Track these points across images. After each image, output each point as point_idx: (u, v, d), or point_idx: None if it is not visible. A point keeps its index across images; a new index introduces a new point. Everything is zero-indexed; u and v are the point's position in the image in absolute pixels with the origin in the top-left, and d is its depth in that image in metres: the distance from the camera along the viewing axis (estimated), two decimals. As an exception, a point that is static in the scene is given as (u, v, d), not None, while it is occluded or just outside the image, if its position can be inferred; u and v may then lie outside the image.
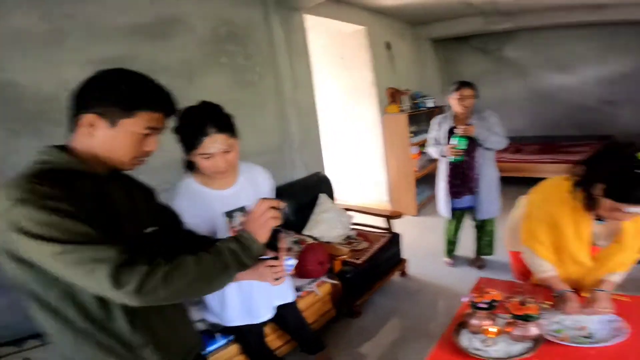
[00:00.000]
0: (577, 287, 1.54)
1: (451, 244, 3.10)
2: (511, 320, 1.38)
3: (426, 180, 4.93)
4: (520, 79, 5.85)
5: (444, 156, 2.69)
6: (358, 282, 2.50)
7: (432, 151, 2.81)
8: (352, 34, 4.35)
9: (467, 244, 3.10)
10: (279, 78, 3.05)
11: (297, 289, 2.13)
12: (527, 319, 1.30)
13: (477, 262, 3.04)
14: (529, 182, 4.19)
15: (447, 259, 3.15)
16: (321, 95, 4.66)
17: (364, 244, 2.79)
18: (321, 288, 2.30)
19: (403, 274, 3.05)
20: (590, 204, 1.29)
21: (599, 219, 1.38)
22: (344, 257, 2.35)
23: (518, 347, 1.34)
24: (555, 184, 1.47)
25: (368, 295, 2.61)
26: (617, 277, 1.48)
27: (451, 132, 2.62)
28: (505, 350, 1.34)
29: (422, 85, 5.41)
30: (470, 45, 6.13)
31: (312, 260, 2.18)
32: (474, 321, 1.42)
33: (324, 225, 2.83)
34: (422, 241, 3.60)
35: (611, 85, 5.16)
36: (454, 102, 2.60)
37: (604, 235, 1.46)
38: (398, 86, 4.78)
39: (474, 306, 1.41)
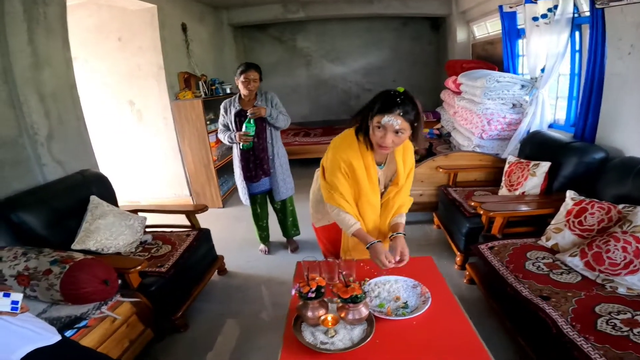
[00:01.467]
0: (379, 236, 1.62)
1: (262, 230, 2.93)
2: (341, 305, 1.25)
3: (228, 168, 4.64)
4: (307, 68, 6.35)
5: (234, 143, 2.54)
6: (168, 293, 1.97)
7: (223, 138, 2.59)
8: (138, 12, 3.59)
9: (277, 228, 2.99)
10: (9, 55, 2.11)
11: (78, 319, 1.50)
12: (355, 300, 1.20)
13: (290, 245, 2.97)
14: (317, 163, 4.50)
15: (261, 247, 2.97)
16: (91, 79, 3.76)
17: (166, 248, 2.23)
18: (119, 310, 1.67)
19: (222, 271, 2.67)
20: (367, 139, 1.41)
21: (380, 164, 1.53)
22: (139, 268, 1.75)
23: (357, 331, 1.24)
24: (342, 135, 1.51)
25: (189, 304, 2.15)
26: (402, 219, 1.60)
27: (238, 116, 2.48)
28: (349, 337, 1.21)
29: (220, 71, 5.08)
30: (269, 35, 6.19)
31: (88, 280, 1.55)
32: (310, 314, 1.22)
33: (104, 234, 2.13)
34: (234, 233, 3.29)
35: (369, 75, 6.26)
36: (240, 85, 2.44)
37: (385, 181, 1.58)
38: (193, 71, 4.25)
39: (304, 297, 1.21)
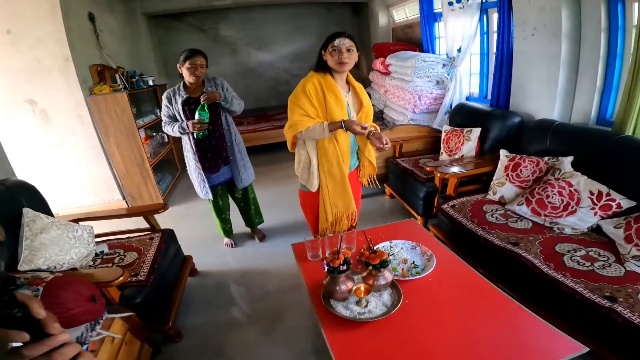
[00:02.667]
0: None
1: (225, 223, 2.71)
2: (366, 274, 1.28)
3: (163, 165, 4.22)
4: (232, 57, 6.00)
5: (187, 133, 2.30)
6: (153, 302, 1.72)
7: (171, 130, 2.32)
8: (32, 2, 2.96)
9: (236, 219, 2.82)
10: None
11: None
12: (383, 264, 1.24)
13: (256, 234, 2.81)
14: (257, 150, 4.36)
15: (226, 240, 2.78)
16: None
17: (131, 255, 1.95)
18: (112, 329, 1.40)
19: (193, 272, 2.43)
20: (326, 66, 1.71)
21: (346, 90, 1.80)
22: (121, 279, 1.50)
23: (386, 297, 1.27)
24: (302, 80, 1.75)
25: (175, 311, 1.93)
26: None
27: (187, 104, 2.26)
28: (381, 303, 1.24)
29: (137, 63, 4.50)
30: (187, 23, 5.64)
31: (74, 299, 1.27)
32: (340, 287, 1.22)
33: (52, 250, 1.78)
34: (190, 232, 2.98)
35: (297, 60, 6.19)
36: (185, 72, 2.20)
37: (353, 105, 1.82)
38: (107, 63, 3.67)
39: (336, 271, 1.21)
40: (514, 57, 2.69)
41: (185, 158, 2.47)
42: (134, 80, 3.77)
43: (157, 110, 4.17)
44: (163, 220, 2.43)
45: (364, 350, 1.10)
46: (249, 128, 5.14)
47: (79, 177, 3.51)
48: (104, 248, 2.04)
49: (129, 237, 2.18)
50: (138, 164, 3.50)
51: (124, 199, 3.65)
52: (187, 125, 2.22)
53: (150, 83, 4.01)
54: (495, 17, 2.98)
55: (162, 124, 2.37)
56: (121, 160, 3.46)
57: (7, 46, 3.03)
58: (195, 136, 2.27)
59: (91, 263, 1.91)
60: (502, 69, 2.83)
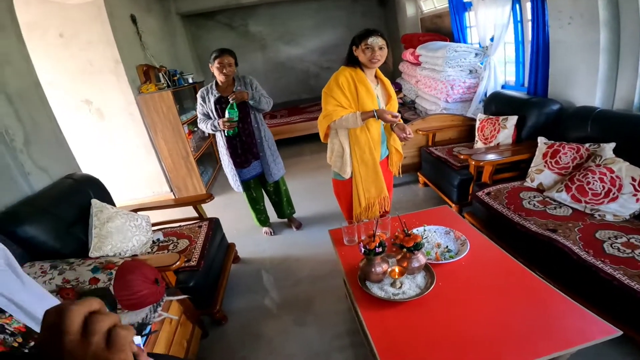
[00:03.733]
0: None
1: (260, 213, 2.83)
2: (400, 257, 1.34)
3: (205, 158, 4.46)
4: (262, 53, 6.15)
5: (219, 130, 2.40)
6: (203, 286, 1.88)
7: (204, 127, 2.41)
8: (79, 6, 3.18)
9: (271, 211, 2.94)
10: None
11: (142, 326, 1.37)
12: (417, 247, 1.29)
13: (292, 223, 2.92)
14: (290, 142, 4.04)
15: (265, 229, 2.91)
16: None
17: (183, 242, 2.13)
18: (171, 310, 1.56)
19: (236, 259, 2.58)
20: (357, 61, 1.79)
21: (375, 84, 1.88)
22: (178, 263, 1.66)
23: (419, 279, 1.33)
24: (335, 73, 1.83)
25: (222, 295, 2.06)
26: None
27: (219, 103, 2.35)
28: (415, 285, 1.30)
29: (176, 62, 4.75)
30: (217, 21, 5.85)
31: (141, 282, 1.43)
32: (375, 269, 1.29)
33: (117, 237, 1.97)
34: (232, 221, 3.16)
35: (326, 53, 6.23)
36: (215, 71, 2.30)
37: (382, 97, 1.92)
38: (151, 63, 3.92)
39: (372, 253, 1.28)
40: (551, 46, 2.61)
41: (219, 153, 2.59)
42: (175, 78, 3.99)
43: (197, 106, 4.40)
44: (206, 210, 2.59)
45: (399, 328, 1.17)
46: (281, 121, 5.28)
47: (132, 171, 3.80)
48: (160, 236, 2.22)
49: (180, 226, 2.35)
50: (183, 158, 3.73)
51: (171, 190, 3.91)
52: (217, 123, 2.32)
53: (190, 80, 4.22)
54: (528, 6, 2.89)
55: (197, 121, 2.50)
56: (168, 154, 3.71)
57: (61, 49, 3.30)
58: (226, 133, 2.37)
59: (149, 250, 2.09)
60: (538, 58, 2.76)
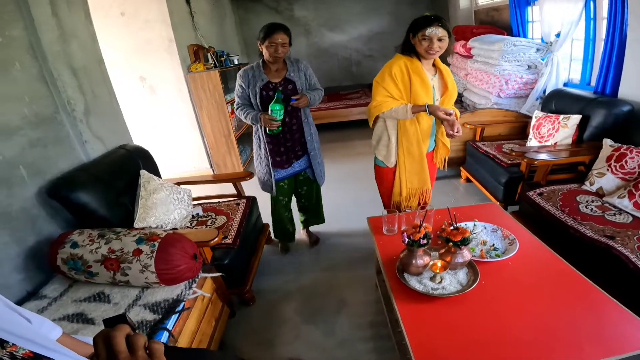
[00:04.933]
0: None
1: (289, 224, 2.43)
2: (444, 251, 1.29)
3: (244, 138, 4.55)
4: (306, 37, 6.12)
5: (259, 125, 2.06)
6: (237, 265, 1.87)
7: (243, 116, 2.06)
8: None
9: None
10: (34, 28, 1.88)
11: (177, 303, 1.41)
12: (465, 242, 1.23)
13: (310, 237, 2.57)
14: (328, 128, 4.06)
15: (282, 245, 2.53)
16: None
17: (221, 219, 2.17)
18: (205, 288, 1.58)
19: (268, 240, 2.61)
20: (414, 49, 1.68)
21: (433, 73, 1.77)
22: (216, 240, 1.68)
23: (461, 275, 1.27)
24: (389, 62, 1.75)
25: (252, 276, 2.05)
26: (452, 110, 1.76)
27: (266, 90, 1.99)
28: (456, 281, 1.25)
29: (223, 43, 4.87)
30: (264, 5, 5.90)
31: (181, 256, 1.45)
32: (417, 261, 1.25)
33: (161, 209, 2.01)
34: (263, 202, 3.20)
35: (370, 41, 6.08)
36: (265, 51, 1.92)
37: (439, 88, 1.80)
38: (201, 43, 4.03)
39: (416, 244, 1.23)
40: (627, 45, 2.37)
41: (253, 145, 2.24)
42: (222, 59, 4.09)
43: (241, 87, 4.48)
44: (243, 187, 2.61)
45: (435, 324, 1.13)
46: (321, 106, 5.25)
47: (176, 145, 3.97)
48: (199, 211, 2.26)
49: (219, 202, 2.37)
50: (225, 136, 3.83)
51: (211, 167, 4.04)
52: (260, 117, 1.97)
53: (235, 62, 4.30)
54: (604, 3, 2.65)
55: (234, 105, 2.12)
56: (211, 131, 3.82)
57: (122, 27, 3.47)
58: (267, 131, 2.04)
59: (188, 224, 2.11)
60: (611, 56, 2.52)
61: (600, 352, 0.97)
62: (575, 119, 2.43)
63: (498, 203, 2.51)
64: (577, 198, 1.94)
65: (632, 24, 2.28)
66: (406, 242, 1.24)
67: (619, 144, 2.03)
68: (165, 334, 1.24)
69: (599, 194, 1.96)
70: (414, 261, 1.26)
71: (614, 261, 1.48)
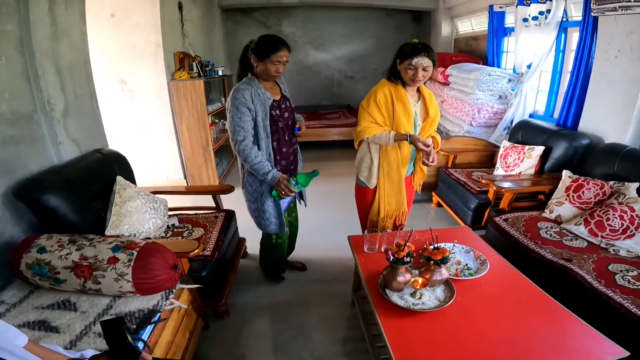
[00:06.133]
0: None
1: (283, 253, 2.25)
2: (424, 269, 1.37)
3: (222, 151, 4.53)
4: (291, 54, 6.25)
5: (267, 177, 1.78)
6: (214, 277, 1.87)
7: (255, 160, 1.75)
8: None
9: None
10: (27, 24, 1.86)
11: (152, 313, 1.38)
12: (444, 261, 1.32)
13: (295, 263, 2.47)
14: (307, 146, 4.26)
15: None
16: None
17: (198, 231, 2.16)
18: (181, 299, 1.57)
19: (244, 254, 2.61)
20: (399, 75, 1.78)
21: (416, 100, 1.87)
22: (196, 251, 1.67)
23: (439, 292, 1.36)
24: (375, 87, 1.85)
25: (228, 289, 2.06)
26: (430, 140, 1.86)
27: (273, 110, 1.81)
28: (434, 297, 1.33)
29: (210, 53, 4.90)
30: (254, 18, 6.01)
31: (161, 266, 1.42)
32: (400, 278, 1.32)
33: (135, 217, 1.96)
34: (239, 215, 3.19)
35: (352, 63, 6.33)
36: (267, 67, 1.74)
37: (420, 114, 1.90)
38: (188, 51, 4.04)
39: (400, 262, 1.31)
40: (592, 78, 2.61)
41: (244, 181, 1.97)
42: (207, 69, 4.11)
43: (223, 99, 4.50)
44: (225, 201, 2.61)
45: (416, 337, 1.20)
46: (301, 124, 5.35)
47: (150, 154, 3.88)
48: (175, 221, 2.21)
49: (196, 214, 2.36)
50: (202, 147, 3.81)
51: (185, 178, 3.97)
52: (278, 180, 1.75)
53: (220, 73, 4.34)
54: (574, 36, 2.92)
55: (235, 136, 1.74)
56: (189, 141, 3.79)
57: (110, 29, 3.42)
58: (272, 193, 1.87)
59: (163, 234, 2.08)
60: (574, 89, 2.76)
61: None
62: (539, 150, 2.66)
63: (466, 227, 2.68)
64: (538, 224, 2.11)
65: (599, 57, 2.51)
66: (390, 259, 1.32)
67: (577, 176, 2.24)
68: (141, 344, 1.22)
69: (558, 221, 2.15)
70: (396, 278, 1.33)
71: (572, 281, 1.63)
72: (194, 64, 3.93)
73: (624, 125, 2.33)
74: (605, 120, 2.51)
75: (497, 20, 3.76)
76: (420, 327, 1.23)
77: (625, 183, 1.99)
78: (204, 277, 1.78)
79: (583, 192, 2.14)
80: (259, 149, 1.79)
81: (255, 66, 1.78)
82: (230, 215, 2.39)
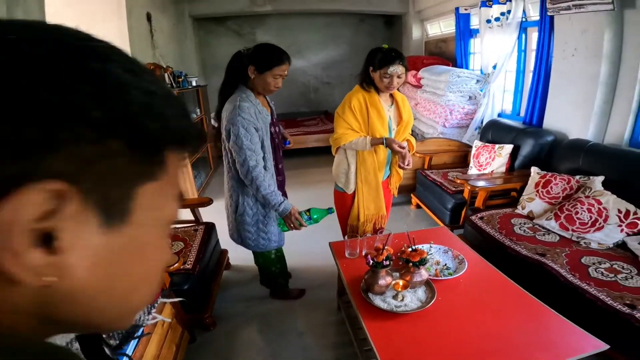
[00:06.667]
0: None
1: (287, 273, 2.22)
2: (404, 271, 1.41)
3: (199, 163, 4.46)
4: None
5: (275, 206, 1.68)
6: (197, 290, 1.87)
7: (268, 190, 1.62)
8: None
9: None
10: None
11: (135, 328, 1.35)
12: (423, 262, 1.36)
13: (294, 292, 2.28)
14: (285, 154, 4.32)
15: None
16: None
17: (178, 245, 2.13)
18: (164, 313, 1.56)
19: (227, 266, 2.58)
20: (372, 83, 1.81)
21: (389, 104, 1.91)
22: (176, 265, 1.66)
23: (420, 293, 1.39)
24: (349, 93, 1.88)
25: (213, 301, 2.06)
26: (406, 143, 1.93)
27: (272, 127, 1.72)
28: (416, 298, 1.36)
29: (182, 64, 4.81)
30: (227, 28, 5.95)
31: None
32: (382, 282, 1.35)
33: None
34: (220, 227, 3.15)
35: (328, 69, 6.39)
36: (270, 80, 1.59)
37: (394, 119, 1.94)
38: (159, 62, 3.98)
39: (379, 265, 1.34)
40: (552, 76, 2.74)
41: (241, 206, 1.77)
42: (180, 80, 4.04)
43: (198, 110, 4.45)
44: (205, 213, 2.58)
45: (400, 338, 1.23)
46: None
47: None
48: None
49: (175, 227, 2.32)
50: (178, 160, 3.73)
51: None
52: (289, 212, 1.67)
53: (194, 84, 4.28)
54: (534, 36, 3.05)
55: (247, 161, 1.55)
56: (163, 155, 3.70)
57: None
58: (279, 222, 1.80)
59: None
60: (537, 88, 2.89)
61: (550, 358, 1.12)
62: (508, 148, 2.77)
63: (445, 227, 2.75)
64: (512, 221, 2.20)
65: (557, 55, 2.64)
66: (370, 264, 1.34)
67: (545, 172, 2.36)
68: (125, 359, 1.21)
69: (530, 216, 2.25)
70: (378, 281, 1.36)
71: (547, 276, 1.69)
72: (166, 75, 3.88)
73: (585, 122, 2.47)
74: (567, 117, 2.65)
75: (463, 22, 3.90)
76: (404, 329, 1.26)
77: (591, 177, 2.10)
78: (186, 291, 1.77)
79: (551, 188, 2.24)
80: (265, 170, 1.65)
81: (252, 78, 1.59)
82: (210, 227, 2.37)
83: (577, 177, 2.19)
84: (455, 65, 4.13)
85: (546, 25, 2.69)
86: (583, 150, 2.28)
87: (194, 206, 2.41)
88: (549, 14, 2.58)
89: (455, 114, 3.65)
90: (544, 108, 2.88)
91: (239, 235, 1.90)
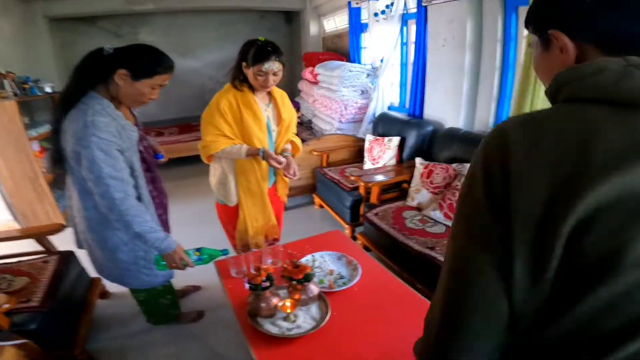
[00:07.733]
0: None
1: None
2: (292, 288, 1.28)
3: (63, 180, 3.73)
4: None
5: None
6: (54, 328, 1.61)
7: (142, 220, 1.32)
8: None
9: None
10: None
11: None
12: (308, 278, 1.24)
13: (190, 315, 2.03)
14: (179, 162, 3.96)
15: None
16: None
17: (21, 281, 1.73)
18: (5, 356, 1.32)
19: (105, 295, 2.22)
20: (246, 80, 1.62)
21: (266, 103, 1.73)
22: (6, 306, 1.33)
23: (314, 310, 1.27)
24: (217, 94, 1.69)
25: (84, 336, 1.79)
26: (289, 146, 1.85)
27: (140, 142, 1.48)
28: (310, 317, 1.23)
29: (33, 68, 4.01)
30: (100, 27, 5.12)
31: None
32: (264, 304, 1.19)
33: None
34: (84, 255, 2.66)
35: (224, 67, 5.93)
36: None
37: (274, 118, 1.77)
38: (-6, 68, 3.18)
39: (259, 288, 1.18)
40: (427, 68, 2.85)
41: (112, 242, 1.45)
42: (26, 86, 3.33)
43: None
44: (62, 239, 2.10)
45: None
46: (171, 139, 4.86)
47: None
48: None
49: (19, 261, 1.96)
50: (30, 180, 3.04)
51: (15, 218, 3.13)
52: (167, 246, 1.38)
53: (48, 90, 3.58)
54: (413, 28, 3.12)
55: (110, 193, 1.24)
56: (9, 175, 2.97)
57: None
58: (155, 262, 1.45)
59: None
60: (417, 79, 3.00)
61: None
62: (396, 140, 2.87)
63: (347, 226, 2.72)
64: (403, 214, 2.24)
65: (431, 46, 2.73)
66: (248, 287, 1.17)
67: (428, 162, 2.48)
68: None
69: (419, 208, 2.33)
70: (262, 305, 1.20)
71: (438, 270, 1.73)
72: (5, 81, 3.13)
73: (457, 111, 2.63)
74: (442, 107, 2.80)
75: (354, 17, 3.94)
76: (299, 354, 1.12)
77: (465, 164, 2.26)
78: (35, 330, 1.51)
79: (434, 177, 2.35)
80: (139, 201, 1.36)
81: (118, 85, 1.30)
82: (66, 256, 1.97)
83: (454, 165, 2.33)
84: (349, 60, 4.20)
85: (422, 16, 2.76)
86: (456, 139, 2.43)
87: (37, 236, 1.96)
88: (423, 4, 2.66)
89: (349, 108, 3.70)
90: (424, 99, 3.02)
91: (110, 273, 1.58)
